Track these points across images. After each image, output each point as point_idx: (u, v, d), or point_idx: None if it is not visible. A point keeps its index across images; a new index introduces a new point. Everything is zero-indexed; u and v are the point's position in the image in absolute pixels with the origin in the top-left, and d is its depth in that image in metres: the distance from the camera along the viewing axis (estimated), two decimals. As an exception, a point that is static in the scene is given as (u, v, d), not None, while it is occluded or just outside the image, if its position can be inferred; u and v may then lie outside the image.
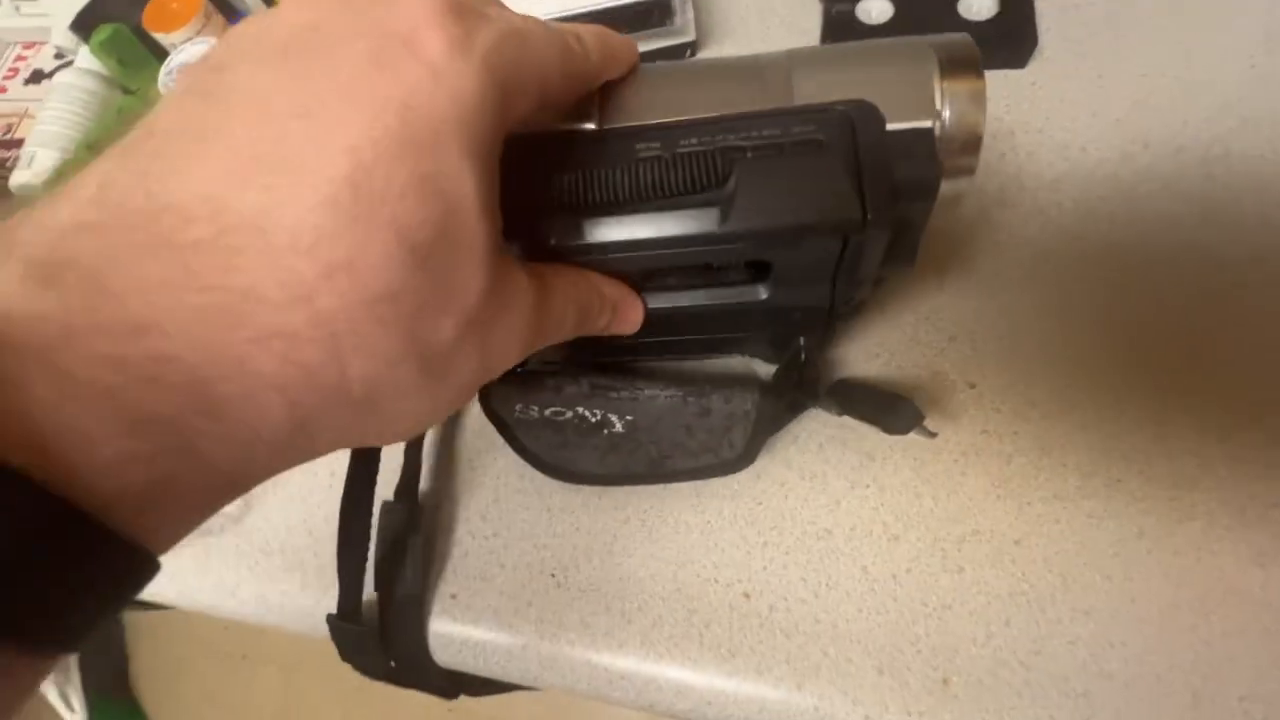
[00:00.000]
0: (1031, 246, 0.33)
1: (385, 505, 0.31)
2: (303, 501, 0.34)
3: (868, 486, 0.30)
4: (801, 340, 0.28)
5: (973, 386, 0.31)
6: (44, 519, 0.11)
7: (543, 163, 0.20)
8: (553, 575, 0.31)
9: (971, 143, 0.21)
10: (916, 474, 0.30)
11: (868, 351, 0.32)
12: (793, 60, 0.21)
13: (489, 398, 0.29)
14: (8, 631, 0.11)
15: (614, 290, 0.22)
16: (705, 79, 0.22)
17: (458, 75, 0.14)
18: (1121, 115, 0.35)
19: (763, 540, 0.30)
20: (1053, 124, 0.36)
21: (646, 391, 0.29)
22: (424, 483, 0.33)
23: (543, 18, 0.18)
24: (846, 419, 0.30)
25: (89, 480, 0.11)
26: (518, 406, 0.29)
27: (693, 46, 0.41)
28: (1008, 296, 0.32)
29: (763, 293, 0.24)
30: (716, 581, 0.30)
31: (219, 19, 0.39)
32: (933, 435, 0.28)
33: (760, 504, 0.31)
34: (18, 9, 0.50)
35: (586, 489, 0.32)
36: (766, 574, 0.29)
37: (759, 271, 0.24)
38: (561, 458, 0.30)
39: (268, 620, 0.34)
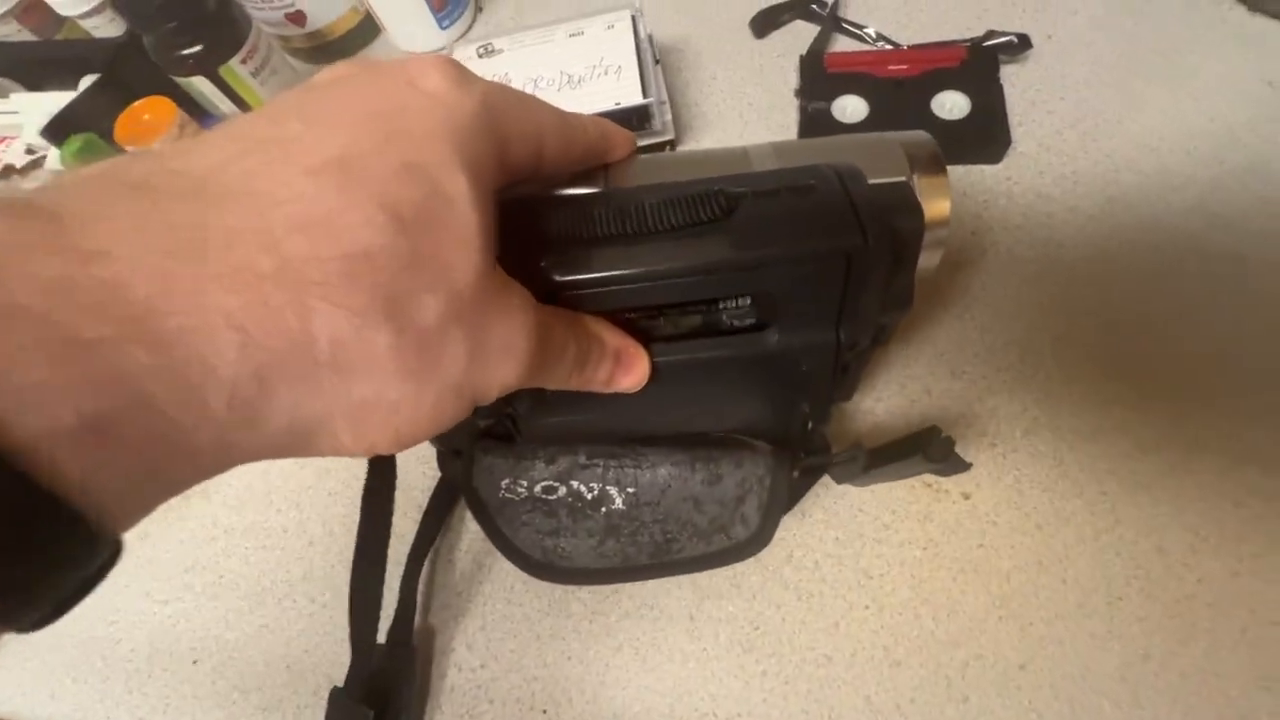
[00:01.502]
0: (1018, 347, 0.33)
1: (380, 648, 0.29)
2: (282, 632, 0.33)
3: (866, 607, 0.29)
4: (806, 407, 0.26)
5: (967, 498, 0.31)
6: None
7: (547, 211, 0.20)
8: (544, 712, 0.30)
9: (940, 222, 0.22)
10: (915, 593, 0.29)
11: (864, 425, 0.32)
12: (776, 148, 0.23)
13: (472, 473, 0.27)
14: None
15: (616, 339, 0.21)
16: (700, 161, 0.23)
17: (455, 101, 0.16)
18: (1095, 211, 0.36)
19: (761, 669, 0.29)
20: (1031, 220, 0.36)
21: (650, 457, 0.26)
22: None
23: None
24: (861, 507, 0.29)
25: (5, 414, 0.10)
26: (504, 482, 0.27)
27: (672, 144, 0.41)
28: (995, 401, 0.32)
29: (773, 336, 0.22)
30: (715, 716, 0.28)
31: (193, 129, 0.38)
32: (968, 465, 0.26)
33: (758, 628, 0.30)
34: (-11, 106, 0.50)
35: (578, 612, 0.31)
36: (766, 706, 0.28)
37: (764, 319, 0.23)
38: (552, 551, 0.27)
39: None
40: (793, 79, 0.42)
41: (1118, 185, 0.36)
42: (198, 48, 0.38)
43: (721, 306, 0.22)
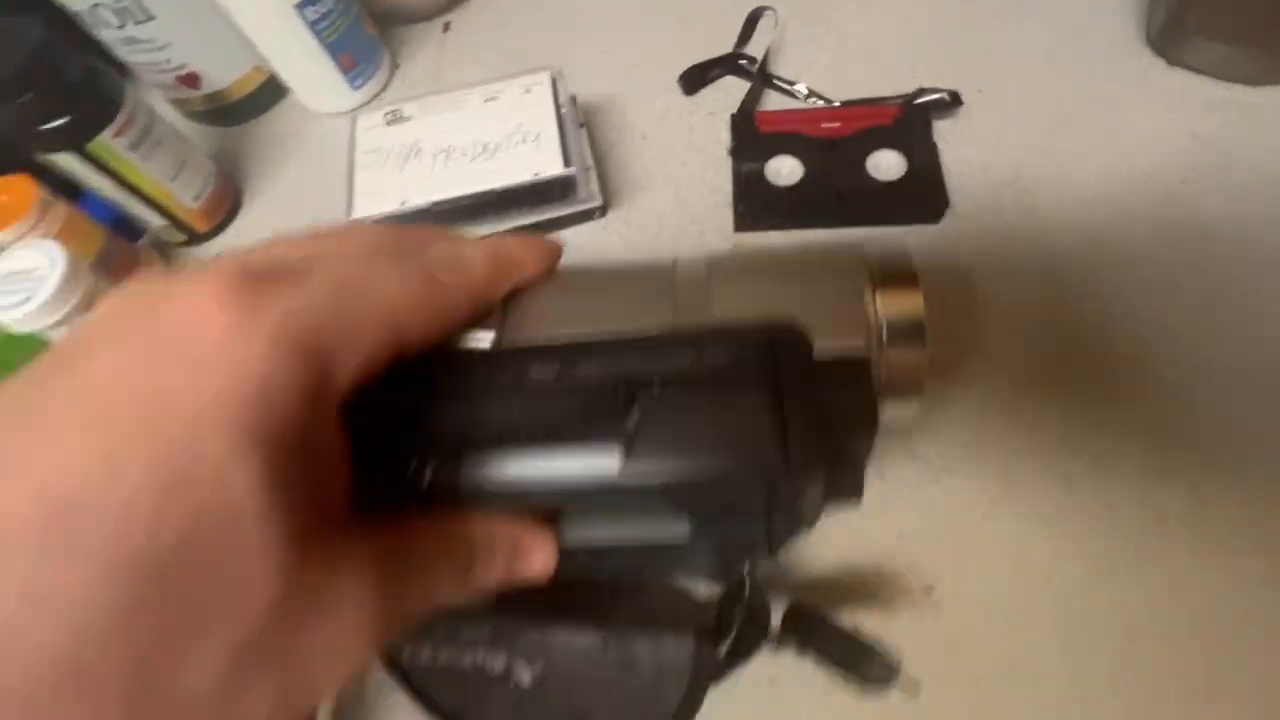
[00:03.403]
0: (970, 424, 0.31)
1: None
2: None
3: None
4: (746, 566, 0.24)
5: (930, 592, 0.28)
6: None
7: (422, 394, 0.17)
8: None
9: (914, 367, 0.19)
10: None
11: (813, 554, 0.29)
12: (711, 270, 0.20)
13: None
14: None
15: (509, 529, 0.18)
16: (620, 287, 0.20)
17: (236, 356, 0.12)
18: (1035, 274, 0.34)
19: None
20: (974, 285, 0.35)
21: (560, 636, 0.24)
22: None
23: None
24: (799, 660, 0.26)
25: None
26: (406, 651, 0.24)
27: (602, 209, 0.38)
28: (952, 480, 0.30)
29: (685, 531, 0.20)
30: None
31: (60, 210, 0.34)
32: (916, 693, 0.25)
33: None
34: None
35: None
36: None
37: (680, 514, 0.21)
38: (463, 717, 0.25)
39: None
40: (725, 137, 0.41)
41: (1054, 248, 0.35)
42: (62, 120, 0.34)
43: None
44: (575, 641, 0.24)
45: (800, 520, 0.20)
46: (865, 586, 0.29)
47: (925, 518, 0.30)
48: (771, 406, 0.16)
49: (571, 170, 0.34)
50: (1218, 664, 0.26)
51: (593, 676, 0.24)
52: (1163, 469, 0.29)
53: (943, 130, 0.39)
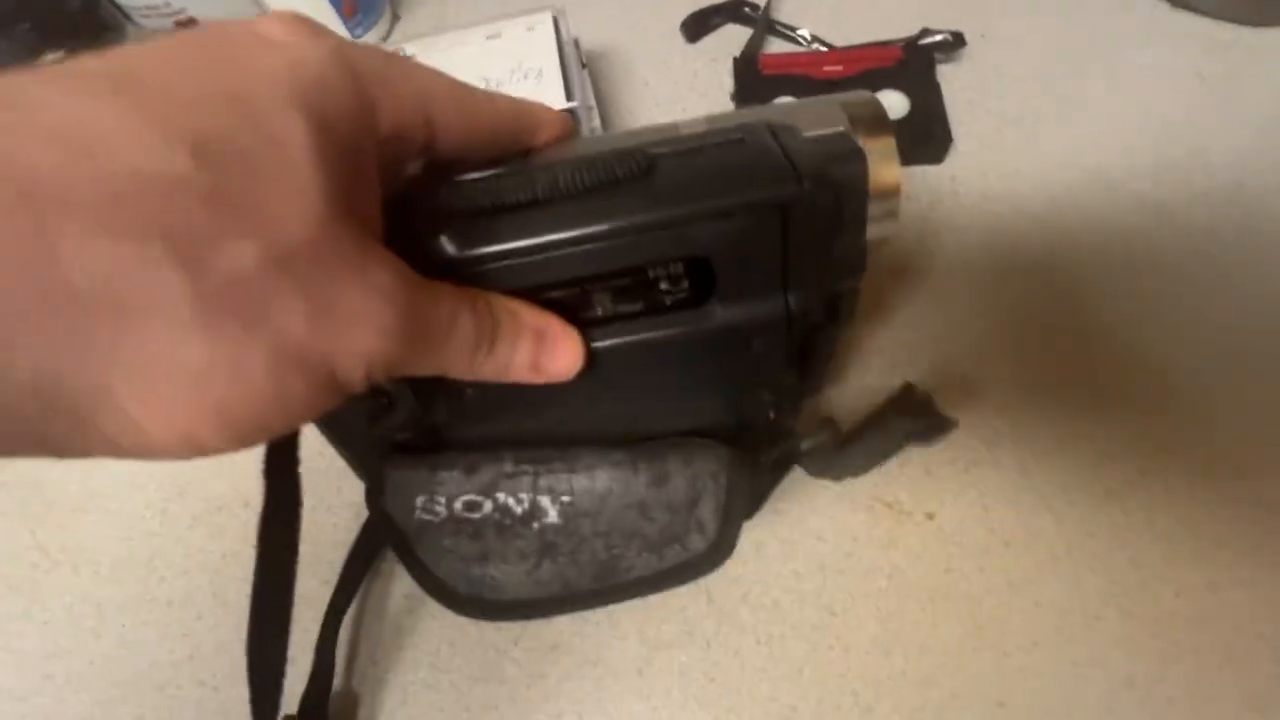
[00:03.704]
0: (973, 355, 0.31)
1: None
2: (162, 724, 0.28)
3: (831, 648, 0.27)
4: (768, 395, 0.23)
5: (931, 518, 0.28)
6: None
7: (444, 188, 0.18)
8: (475, 798, 0.26)
9: (889, 192, 0.20)
10: (883, 628, 0.27)
11: (815, 484, 0.29)
12: (709, 118, 0.21)
13: (382, 491, 0.23)
14: None
15: (536, 317, 0.18)
16: (631, 135, 0.21)
17: (301, 48, 0.14)
18: (1041, 211, 0.34)
19: (720, 727, 0.26)
20: (977, 222, 0.35)
21: (586, 459, 0.23)
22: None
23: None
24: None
25: None
26: (419, 500, 0.23)
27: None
28: (953, 413, 0.30)
29: (715, 309, 0.20)
30: (670, 787, 0.25)
31: None
32: (955, 422, 0.24)
33: (714, 680, 0.26)
34: None
35: (513, 676, 0.27)
36: (727, 769, 0.25)
37: (704, 292, 0.20)
38: (480, 581, 0.23)
39: None
40: (728, 83, 0.41)
41: (1061, 182, 0.35)
42: (59, 53, 0.34)
43: (656, 278, 0.19)
44: (603, 463, 0.23)
45: (814, 289, 0.20)
46: (865, 515, 0.29)
47: (929, 451, 0.30)
48: (778, 150, 0.18)
49: (574, 104, 0.33)
50: (1228, 579, 0.26)
51: (624, 501, 0.23)
52: (1165, 397, 0.29)
53: (946, 74, 0.39)
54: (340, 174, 0.14)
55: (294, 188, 0.12)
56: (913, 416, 0.22)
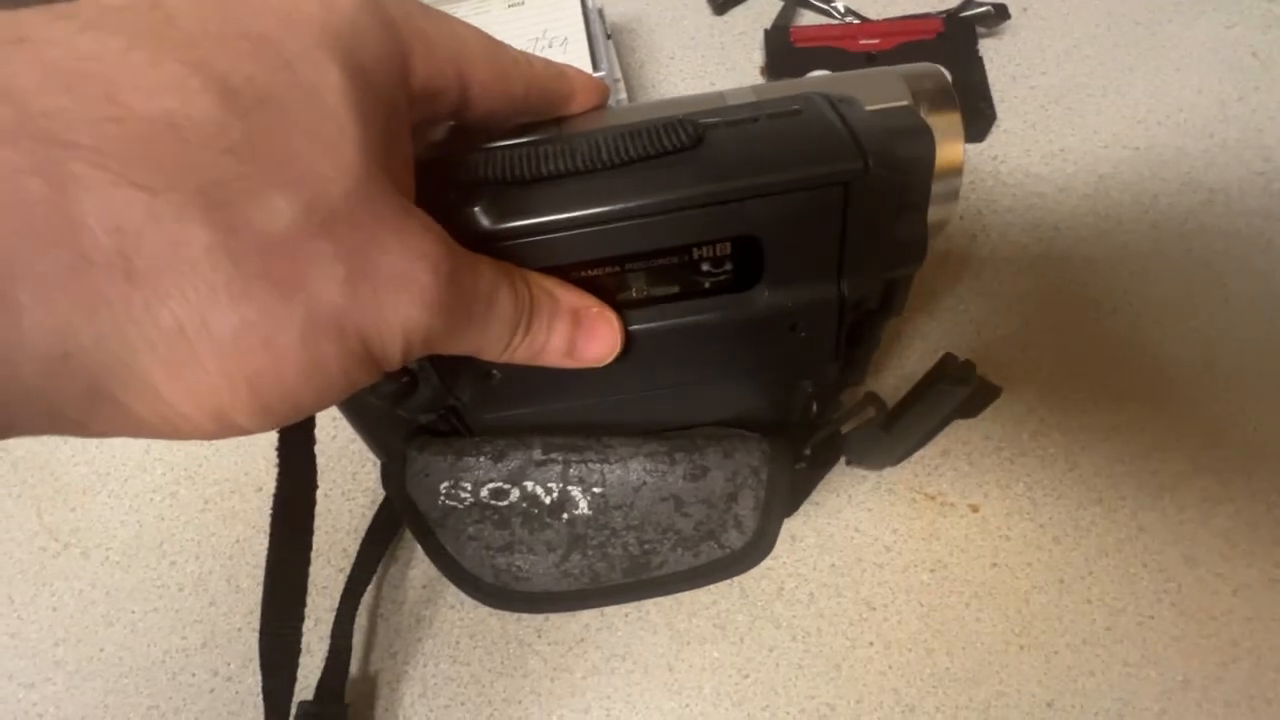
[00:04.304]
0: (1018, 340, 0.30)
1: (305, 705, 0.25)
2: (176, 715, 0.27)
3: (871, 644, 0.25)
4: (809, 386, 0.22)
5: (975, 510, 0.27)
6: None
7: (480, 156, 0.16)
8: (500, 795, 0.25)
9: (953, 171, 0.19)
10: (925, 624, 0.26)
11: (852, 475, 0.28)
12: (756, 90, 0.20)
13: (403, 473, 0.22)
14: None
15: (573, 297, 0.17)
16: (670, 104, 0.19)
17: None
18: (1088, 190, 0.33)
19: (755, 725, 0.25)
20: (1021, 202, 0.33)
21: (619, 450, 0.22)
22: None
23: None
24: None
25: None
26: (444, 486, 0.22)
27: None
28: (996, 400, 0.29)
29: (762, 294, 0.19)
30: (703, 786, 0.24)
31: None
32: (998, 390, 0.23)
33: (747, 677, 0.25)
34: None
35: (536, 670, 0.26)
36: (763, 770, 0.24)
37: (747, 275, 0.19)
38: (506, 571, 0.22)
39: None
40: (757, 57, 0.39)
41: (1108, 162, 0.34)
42: None
43: (699, 260, 0.18)
44: (637, 454, 0.22)
45: (870, 276, 0.19)
46: (905, 506, 0.28)
47: (970, 444, 0.28)
48: (840, 123, 0.17)
49: (601, 73, 0.32)
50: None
51: (658, 495, 0.22)
52: (1218, 382, 0.28)
53: (987, 48, 0.37)
54: (377, 126, 0.12)
55: (330, 139, 0.11)
56: (954, 383, 0.21)
